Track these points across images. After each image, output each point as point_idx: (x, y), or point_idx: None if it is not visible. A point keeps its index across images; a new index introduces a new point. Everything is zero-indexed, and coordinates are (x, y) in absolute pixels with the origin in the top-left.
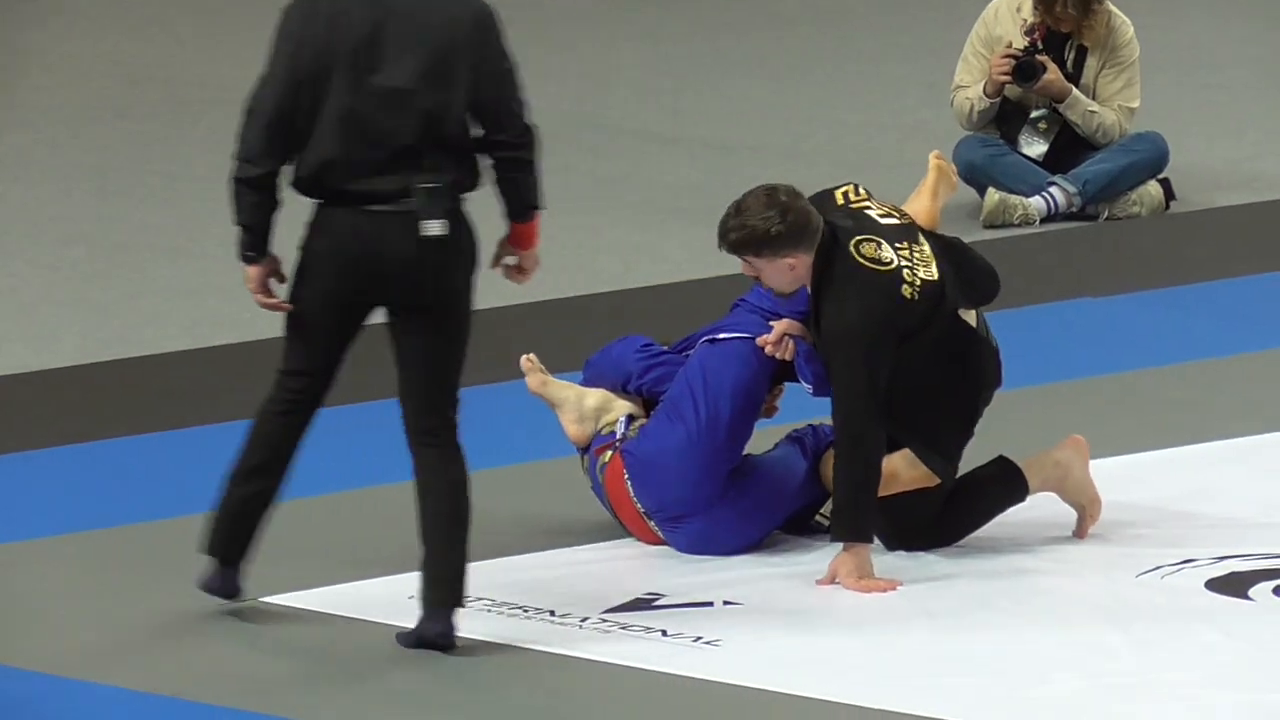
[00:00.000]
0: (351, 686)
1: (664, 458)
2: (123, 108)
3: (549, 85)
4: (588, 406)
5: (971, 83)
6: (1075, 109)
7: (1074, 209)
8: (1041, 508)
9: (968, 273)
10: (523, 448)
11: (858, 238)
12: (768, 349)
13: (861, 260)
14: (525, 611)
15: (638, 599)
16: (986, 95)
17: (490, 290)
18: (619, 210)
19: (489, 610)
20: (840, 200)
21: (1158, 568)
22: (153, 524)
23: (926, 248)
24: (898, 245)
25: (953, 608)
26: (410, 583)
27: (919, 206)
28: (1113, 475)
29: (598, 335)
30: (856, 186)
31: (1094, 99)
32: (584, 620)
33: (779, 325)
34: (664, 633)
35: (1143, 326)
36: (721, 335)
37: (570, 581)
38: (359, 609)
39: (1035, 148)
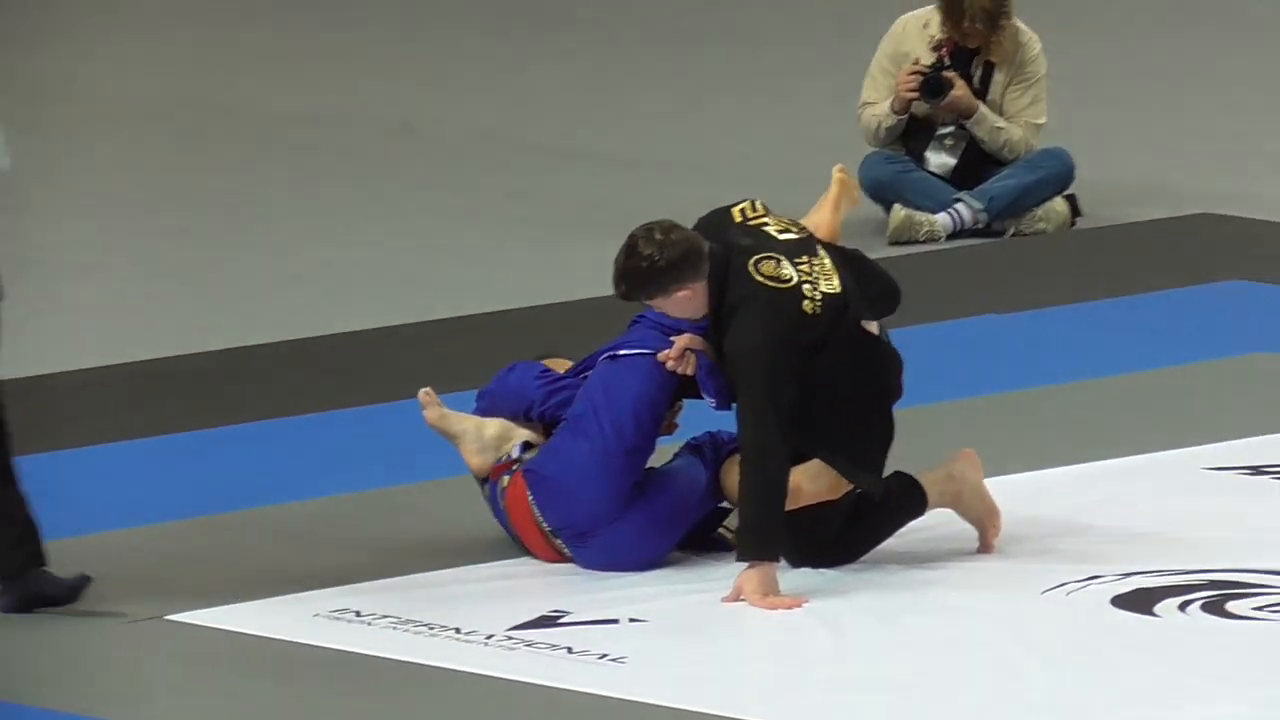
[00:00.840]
0: (253, 704)
1: (569, 474)
2: (29, 124)
3: (459, 101)
4: (488, 436)
5: (878, 99)
6: (982, 125)
7: (980, 225)
8: (948, 525)
9: (869, 284)
10: (426, 466)
11: (756, 256)
12: (669, 364)
13: (761, 279)
14: (431, 629)
15: (543, 616)
16: (894, 112)
17: (394, 308)
18: (526, 226)
19: (394, 628)
20: (738, 217)
21: (1063, 584)
22: (50, 544)
23: (827, 260)
24: (797, 260)
25: (858, 624)
26: (316, 600)
27: (820, 220)
28: (1019, 491)
29: (505, 352)
30: (754, 202)
31: (1001, 115)
32: (489, 637)
33: (680, 340)
34: (569, 650)
35: (1049, 343)
36: (622, 352)
37: (476, 599)
38: (263, 626)
39: (942, 163)
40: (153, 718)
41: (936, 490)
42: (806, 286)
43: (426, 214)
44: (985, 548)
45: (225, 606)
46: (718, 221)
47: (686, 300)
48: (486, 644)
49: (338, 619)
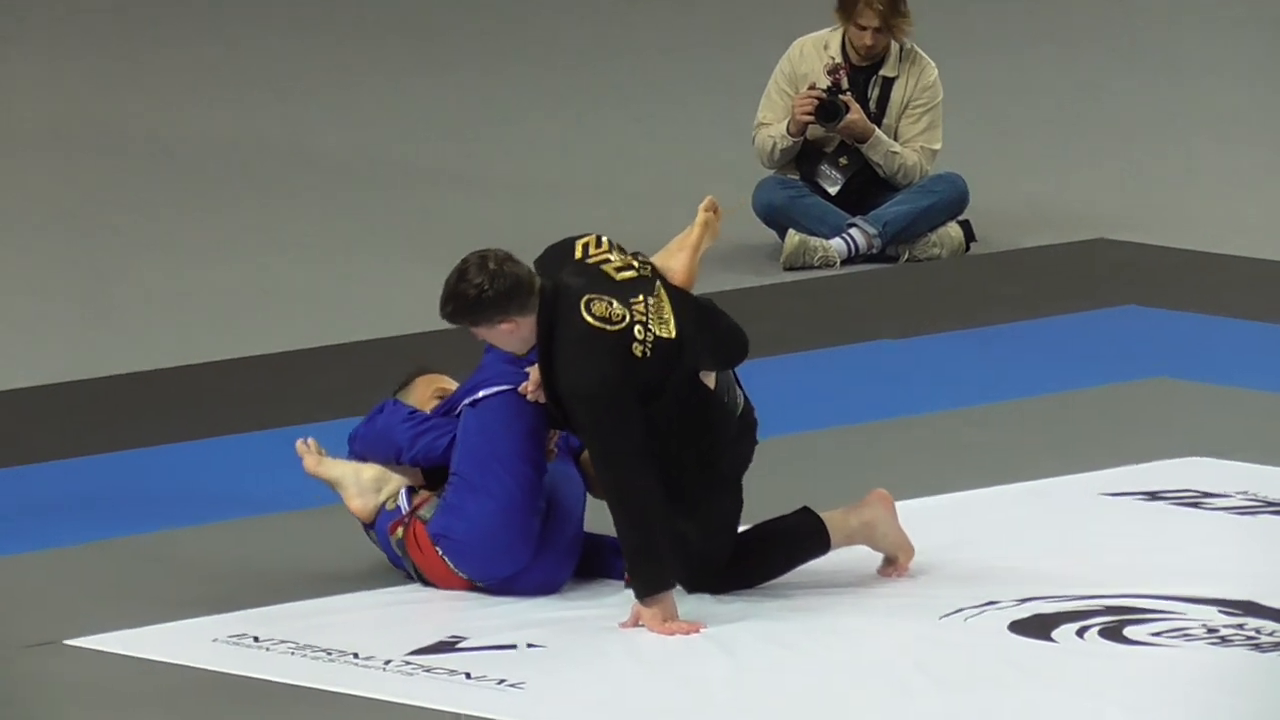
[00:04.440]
0: None
1: (481, 535)
2: None
3: (342, 124)
4: (366, 479)
5: (774, 120)
6: (877, 149)
7: (874, 250)
8: (848, 550)
9: (714, 335)
10: (323, 491)
11: (587, 296)
12: (529, 396)
13: (590, 320)
14: (329, 654)
15: (441, 641)
16: (789, 134)
17: (283, 333)
18: (415, 250)
19: (292, 653)
20: (579, 253)
21: (960, 610)
22: None
23: (665, 303)
24: (632, 300)
25: (756, 649)
26: (214, 625)
27: (678, 264)
28: (914, 517)
29: (395, 377)
30: (599, 237)
31: (896, 140)
32: (387, 663)
33: (534, 371)
34: (468, 675)
35: (943, 368)
36: (481, 394)
37: (373, 624)
38: (162, 651)
39: (833, 185)
40: None
41: (844, 532)
42: (638, 329)
43: (317, 237)
44: (887, 574)
45: (123, 631)
46: (557, 256)
47: (509, 333)
48: (385, 669)
49: (236, 644)
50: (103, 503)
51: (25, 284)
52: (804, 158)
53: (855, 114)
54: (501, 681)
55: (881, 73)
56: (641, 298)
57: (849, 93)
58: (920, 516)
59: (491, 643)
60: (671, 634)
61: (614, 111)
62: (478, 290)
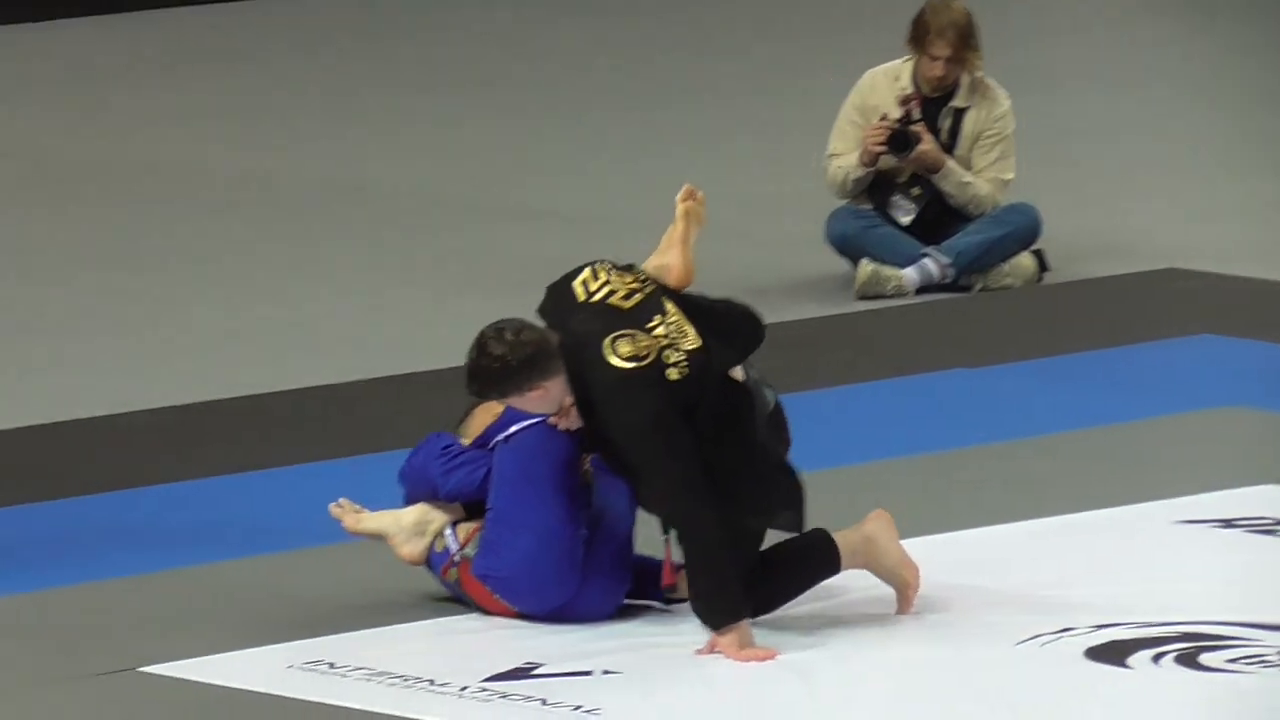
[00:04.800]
0: None
1: (526, 568)
2: None
3: (398, 158)
4: (408, 525)
5: (845, 151)
6: (950, 180)
7: (947, 280)
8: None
9: (724, 325)
10: None
11: (610, 338)
12: (560, 425)
13: (620, 363)
14: (405, 680)
15: (517, 668)
16: (861, 164)
17: (338, 366)
18: (465, 283)
19: (368, 680)
20: (581, 294)
21: (1036, 636)
22: (14, 597)
23: (676, 315)
24: (649, 325)
25: (830, 677)
26: (291, 652)
27: (670, 262)
28: (988, 545)
29: (449, 409)
30: (594, 268)
31: (968, 170)
32: (464, 689)
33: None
34: (543, 701)
35: (1018, 397)
36: (513, 429)
37: (449, 650)
38: (237, 678)
39: (905, 215)
40: None
41: (849, 550)
42: (668, 353)
43: (366, 271)
44: (903, 608)
45: (198, 659)
46: (561, 305)
47: (540, 399)
48: (461, 695)
49: (311, 670)
50: (174, 531)
51: (83, 318)
52: (876, 188)
53: (927, 144)
54: (578, 708)
55: (953, 103)
56: (658, 319)
57: (921, 123)
58: (996, 545)
59: (567, 669)
60: (748, 660)
61: (674, 146)
62: (501, 362)
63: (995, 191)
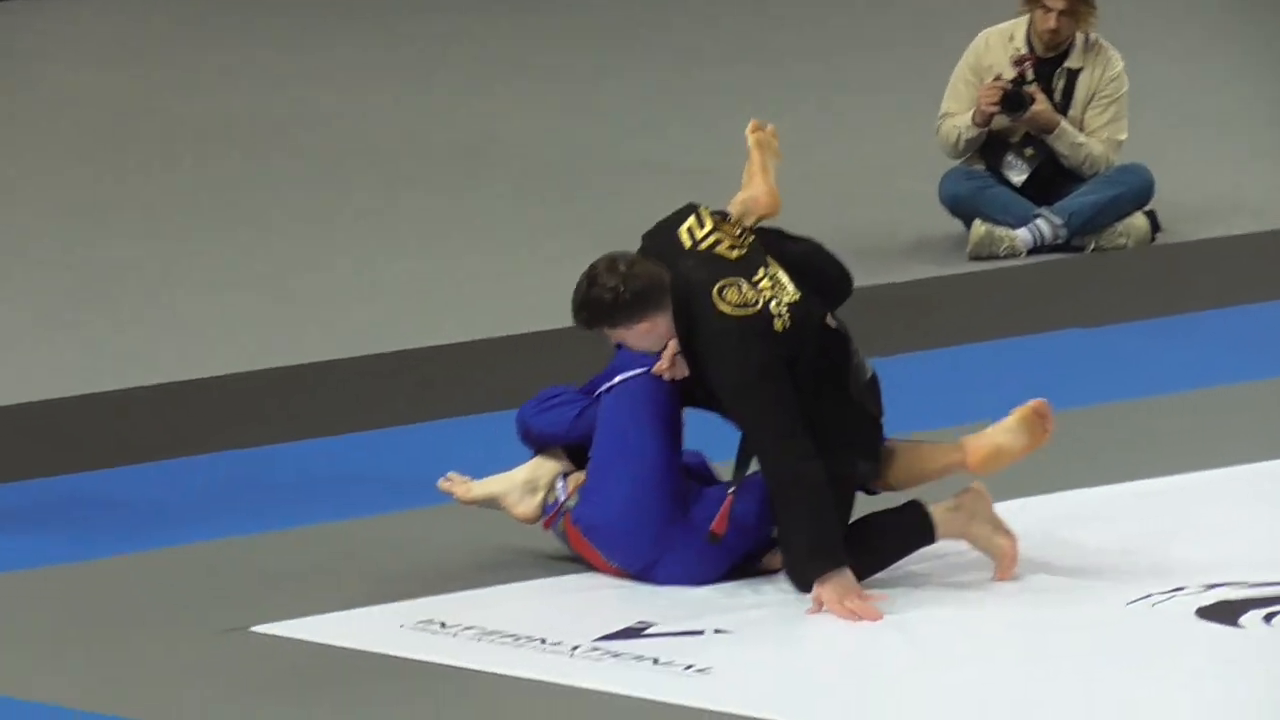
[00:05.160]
0: (339, 713)
1: (619, 516)
2: (110, 142)
3: (537, 115)
4: (519, 482)
5: (959, 111)
6: (1063, 140)
7: (1060, 241)
8: (1030, 541)
9: (816, 279)
10: None
11: (719, 285)
12: (665, 375)
13: (728, 309)
14: (516, 639)
15: (628, 627)
16: (975, 124)
17: (467, 324)
18: (605, 239)
19: (478, 639)
20: (687, 241)
21: (1148, 595)
22: (136, 555)
23: (778, 270)
24: (754, 278)
25: (942, 637)
26: (401, 612)
27: (755, 193)
28: (1102, 504)
29: (586, 366)
30: (698, 215)
31: (1081, 131)
32: (575, 648)
33: (669, 347)
34: (655, 661)
35: (1130, 357)
36: (617, 379)
37: (560, 609)
38: (349, 638)
39: (1018, 175)
40: None
41: (944, 520)
42: (772, 304)
43: (506, 227)
44: (1002, 575)
45: (310, 618)
46: (667, 249)
47: (646, 333)
48: (572, 655)
49: (423, 629)
50: (290, 490)
51: (218, 276)
52: (989, 148)
53: (1041, 105)
54: (689, 667)
55: (1067, 64)
56: (761, 272)
57: (1035, 84)
58: (1109, 504)
59: (679, 628)
60: (855, 614)
61: (800, 103)
62: (613, 293)
63: (1109, 152)
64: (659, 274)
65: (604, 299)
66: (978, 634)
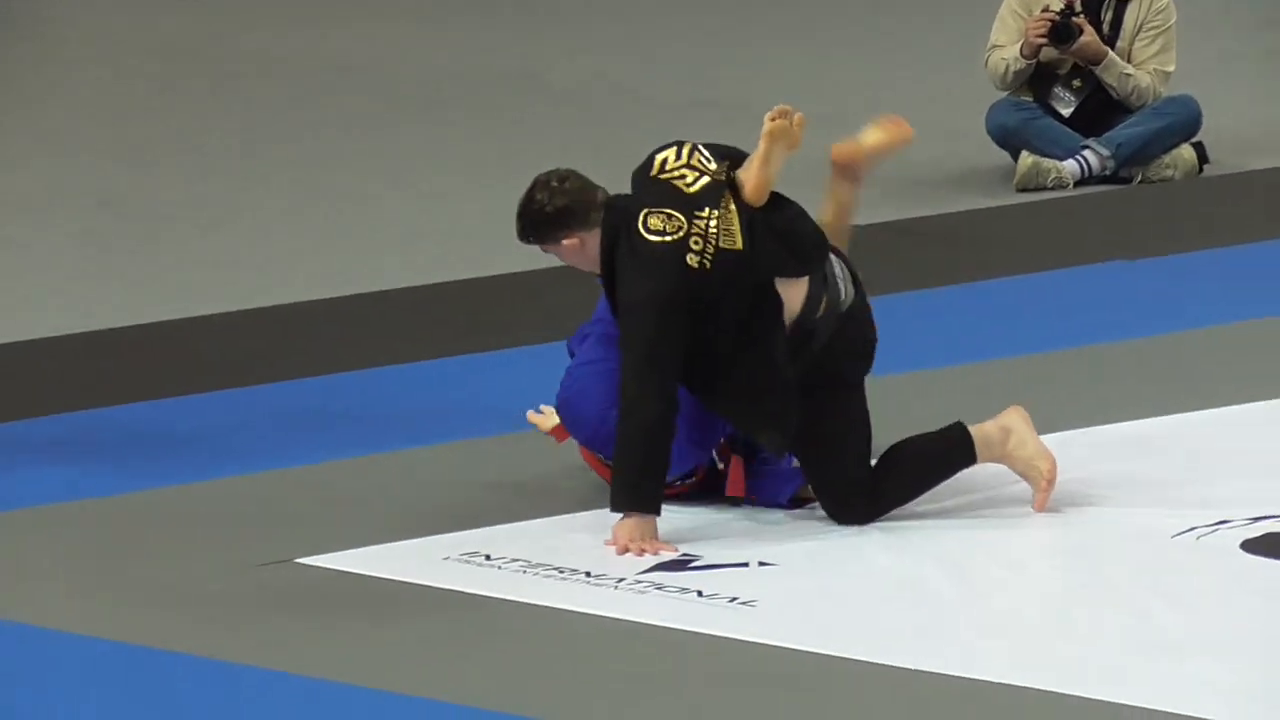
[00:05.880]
0: (382, 645)
1: (574, 386)
2: (160, 81)
3: (584, 53)
4: None
5: (1007, 43)
6: (1111, 72)
7: (1107, 172)
8: (1068, 476)
9: (792, 242)
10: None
11: (646, 210)
12: None
13: (645, 234)
14: (561, 573)
15: (674, 560)
16: (1023, 56)
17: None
18: None
19: (524, 571)
20: (656, 168)
21: (1193, 529)
22: (178, 488)
23: (734, 216)
24: (698, 213)
25: (987, 571)
26: (446, 544)
27: (747, 178)
28: (1146, 437)
29: None
30: (680, 149)
31: (1129, 62)
32: (619, 581)
33: None
34: (699, 593)
35: (1179, 290)
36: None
37: (605, 543)
38: (393, 570)
39: (1066, 107)
40: (281, 661)
41: (985, 442)
42: (695, 239)
43: (553, 163)
44: (1040, 500)
45: (354, 550)
46: (641, 173)
47: (574, 250)
48: (617, 587)
49: (468, 562)
50: (335, 421)
51: (278, 212)
52: (1037, 80)
53: (1089, 36)
54: (733, 600)
55: None
56: (707, 210)
57: (1082, 15)
58: (1153, 437)
59: (724, 561)
60: (641, 554)
61: (852, 43)
62: (539, 206)
63: (1156, 83)
64: (588, 192)
65: (532, 212)
66: (1022, 566)
